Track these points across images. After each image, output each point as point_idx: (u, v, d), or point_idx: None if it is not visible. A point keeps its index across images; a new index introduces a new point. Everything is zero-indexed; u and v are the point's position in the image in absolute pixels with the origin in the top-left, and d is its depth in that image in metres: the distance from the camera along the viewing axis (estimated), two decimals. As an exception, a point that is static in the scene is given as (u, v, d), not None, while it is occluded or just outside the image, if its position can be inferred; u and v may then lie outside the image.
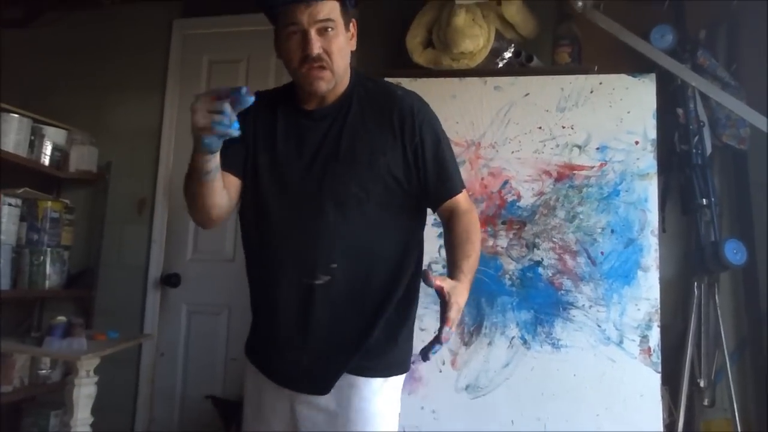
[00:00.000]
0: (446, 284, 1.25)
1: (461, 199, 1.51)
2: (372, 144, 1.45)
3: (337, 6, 1.40)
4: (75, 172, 3.15)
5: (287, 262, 1.46)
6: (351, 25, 1.47)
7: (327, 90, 1.43)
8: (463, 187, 1.53)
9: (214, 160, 1.32)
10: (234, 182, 1.47)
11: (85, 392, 2.34)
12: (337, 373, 1.44)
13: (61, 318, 2.46)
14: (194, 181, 1.36)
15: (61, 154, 3.10)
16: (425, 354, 1.22)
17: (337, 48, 1.39)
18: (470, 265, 1.37)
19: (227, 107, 1.21)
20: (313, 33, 1.36)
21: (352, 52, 1.47)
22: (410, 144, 1.45)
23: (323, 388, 1.44)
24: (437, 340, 1.21)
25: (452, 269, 1.36)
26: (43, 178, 3.09)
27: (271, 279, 1.48)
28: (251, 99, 1.23)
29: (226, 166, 1.42)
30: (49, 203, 2.97)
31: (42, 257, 2.88)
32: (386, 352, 1.48)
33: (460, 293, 1.27)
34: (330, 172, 1.43)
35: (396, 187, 1.46)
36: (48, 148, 3.03)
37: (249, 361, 1.58)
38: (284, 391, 1.49)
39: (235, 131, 1.24)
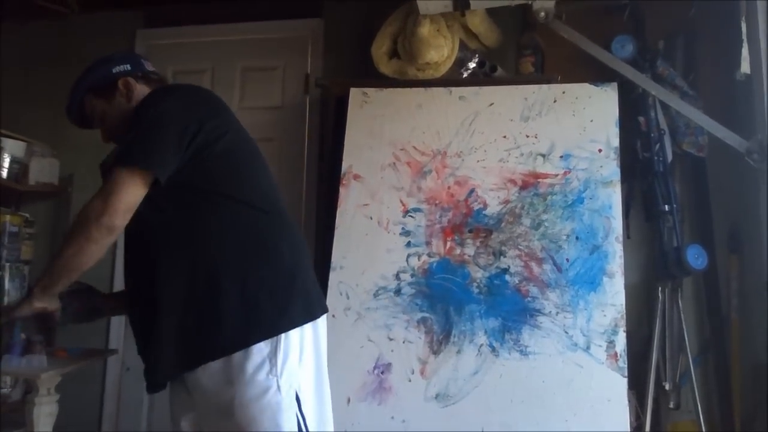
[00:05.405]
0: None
1: (115, 175, 1.47)
2: None
3: (92, 100, 1.74)
4: (35, 185, 3.07)
5: None
6: (119, 84, 1.68)
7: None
8: (133, 163, 1.45)
9: None
10: None
11: (46, 411, 2.26)
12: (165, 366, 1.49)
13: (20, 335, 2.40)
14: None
15: (19, 167, 3.03)
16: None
17: (109, 121, 1.73)
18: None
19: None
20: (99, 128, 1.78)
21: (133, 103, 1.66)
22: None
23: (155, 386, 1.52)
24: None
25: None
26: (0, 192, 3.01)
27: None
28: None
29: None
30: (8, 217, 2.89)
31: (0, 272, 2.81)
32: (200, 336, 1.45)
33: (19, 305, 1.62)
34: None
35: None
36: (6, 161, 2.96)
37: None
38: None
39: None
